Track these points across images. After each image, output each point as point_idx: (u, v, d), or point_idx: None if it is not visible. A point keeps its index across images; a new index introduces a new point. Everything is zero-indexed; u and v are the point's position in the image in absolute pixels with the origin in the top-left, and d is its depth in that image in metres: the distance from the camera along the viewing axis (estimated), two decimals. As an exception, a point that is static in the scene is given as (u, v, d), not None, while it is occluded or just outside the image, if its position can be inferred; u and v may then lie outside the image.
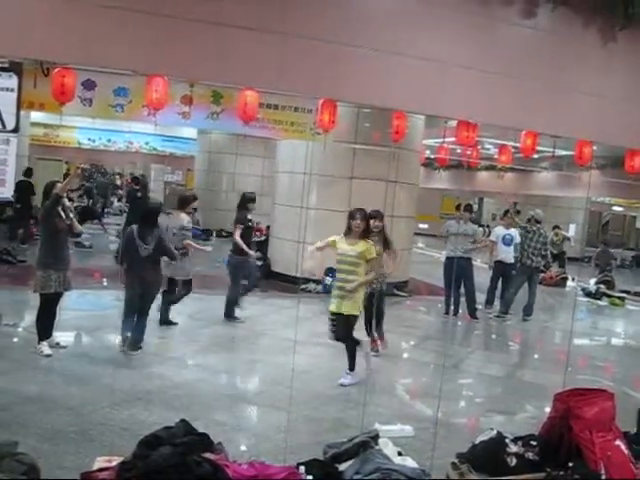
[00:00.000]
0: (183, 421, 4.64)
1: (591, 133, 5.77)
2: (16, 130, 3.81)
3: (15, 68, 3.82)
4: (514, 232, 13.26)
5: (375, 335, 8.63)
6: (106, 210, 23.41)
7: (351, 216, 7.36)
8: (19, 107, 3.82)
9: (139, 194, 16.63)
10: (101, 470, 4.26)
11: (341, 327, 7.29)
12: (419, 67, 4.64)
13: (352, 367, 7.51)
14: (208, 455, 4.31)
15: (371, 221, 7.88)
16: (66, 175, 23.88)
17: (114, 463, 4.32)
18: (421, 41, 4.68)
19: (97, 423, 5.75)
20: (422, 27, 4.69)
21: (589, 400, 5.41)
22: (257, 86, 5.04)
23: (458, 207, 13.47)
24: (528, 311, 13.06)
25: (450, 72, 4.74)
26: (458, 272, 12.01)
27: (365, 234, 7.36)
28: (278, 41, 4.28)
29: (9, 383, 6.58)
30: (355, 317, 7.34)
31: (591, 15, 5.11)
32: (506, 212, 14.47)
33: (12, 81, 3.80)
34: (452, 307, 12.32)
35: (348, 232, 7.34)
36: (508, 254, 13.12)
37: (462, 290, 12.40)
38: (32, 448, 4.62)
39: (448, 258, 12.34)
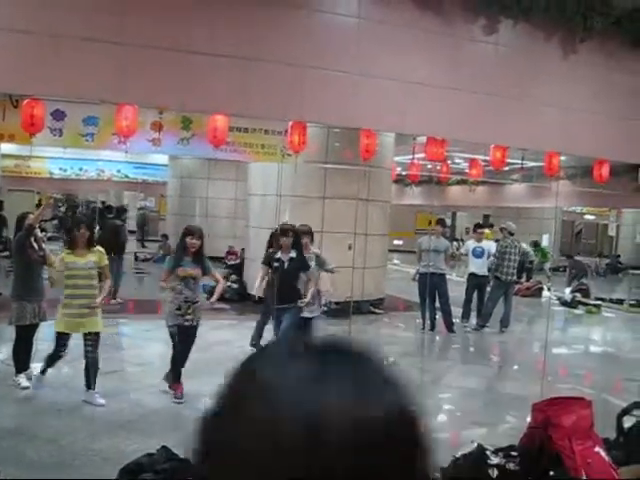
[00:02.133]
0: (164, 447, 4.64)
1: (557, 144, 5.88)
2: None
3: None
4: (486, 245, 13.36)
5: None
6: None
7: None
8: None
9: (117, 222, 16.62)
10: (83, 501, 4.26)
11: None
12: (384, 86, 4.71)
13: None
14: (190, 481, 4.31)
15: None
16: (38, 205, 23.82)
17: (96, 493, 4.31)
18: (385, 61, 4.76)
19: (78, 453, 5.74)
20: (386, 48, 4.77)
21: (567, 409, 5.48)
22: (225, 112, 5.10)
23: (431, 223, 13.58)
24: (505, 323, 13.13)
25: (415, 90, 4.82)
26: (432, 287, 12.11)
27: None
28: (244, 66, 4.34)
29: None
30: None
31: (552, 29, 5.22)
32: (477, 225, 14.59)
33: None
34: (428, 322, 12.40)
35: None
36: (480, 267, 13.21)
37: (438, 305, 12.51)
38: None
39: (421, 274, 12.44)
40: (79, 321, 7.10)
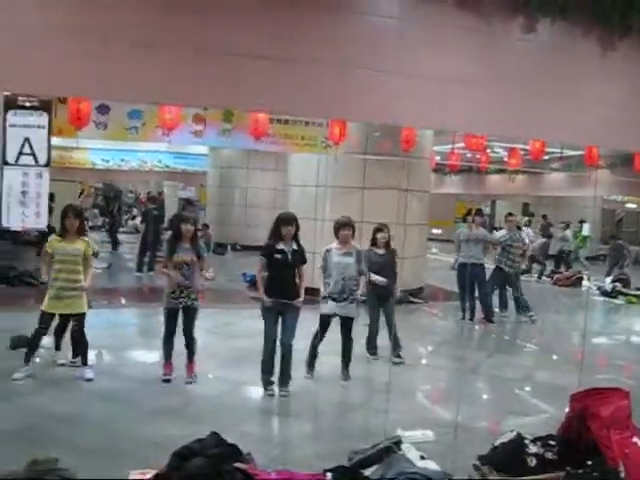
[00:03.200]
0: (214, 433, 4.83)
1: (596, 139, 5.95)
2: (48, 164, 4.02)
3: (45, 106, 4.03)
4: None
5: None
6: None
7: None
8: (50, 142, 4.04)
9: (156, 212, 16.98)
10: (137, 483, 4.47)
11: None
12: (424, 85, 4.82)
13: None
14: (239, 465, 4.50)
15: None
16: (80, 195, 24.26)
17: (148, 476, 4.52)
18: (425, 60, 4.87)
19: (127, 439, 5.95)
20: (425, 47, 4.88)
21: (605, 399, 5.56)
22: (268, 111, 5.29)
23: (468, 212, 13.56)
24: (524, 309, 13.03)
25: (454, 88, 4.91)
26: (471, 278, 12.19)
27: None
28: (288, 67, 4.49)
29: (40, 404, 6.79)
30: None
31: (590, 27, 5.28)
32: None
33: (43, 119, 4.01)
34: (467, 312, 12.47)
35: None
36: None
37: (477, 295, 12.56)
38: (67, 463, 4.79)
39: (460, 264, 12.49)
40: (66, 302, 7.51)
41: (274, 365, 7.51)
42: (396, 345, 9.04)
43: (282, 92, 4.56)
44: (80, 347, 7.80)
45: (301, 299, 7.48)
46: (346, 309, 8.04)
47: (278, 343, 7.48)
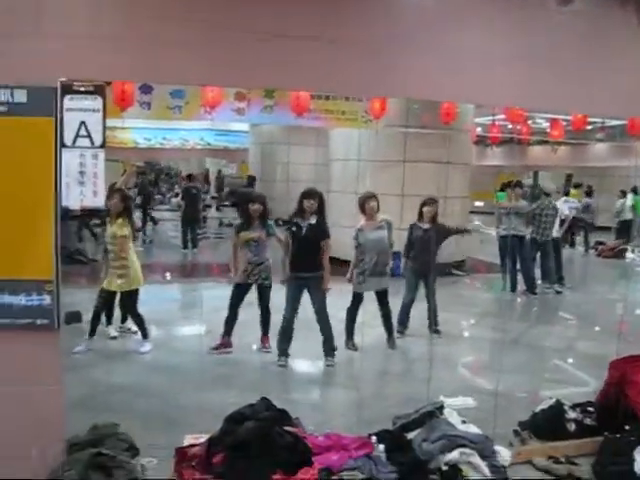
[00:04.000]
0: (264, 398, 5.06)
1: (635, 110, 5.96)
2: (103, 145, 4.24)
3: (99, 90, 4.24)
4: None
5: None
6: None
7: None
8: (104, 125, 4.25)
9: (194, 190, 17.26)
10: (192, 446, 4.72)
11: None
12: (461, 60, 4.90)
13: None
14: (288, 428, 4.73)
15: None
16: (123, 173, 24.62)
17: (202, 439, 4.77)
18: (462, 36, 4.94)
19: (181, 406, 6.24)
20: (461, 24, 4.95)
21: (643, 366, 5.68)
22: (310, 90, 5.48)
23: (508, 184, 13.46)
24: (557, 279, 13.06)
25: (491, 63, 4.97)
26: (512, 249, 12.27)
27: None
28: (328, 48, 4.61)
29: (97, 374, 7.14)
30: None
31: (626, -3, 5.33)
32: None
33: (97, 102, 4.20)
34: (509, 283, 12.54)
35: None
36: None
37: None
38: (126, 430, 5.07)
39: (502, 237, 12.54)
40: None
41: (291, 338, 7.77)
42: (434, 320, 9.16)
43: (322, 72, 4.68)
44: (137, 322, 8.17)
45: (323, 272, 7.65)
46: (380, 283, 8.25)
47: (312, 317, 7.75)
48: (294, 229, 7.58)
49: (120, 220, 7.83)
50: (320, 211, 7.63)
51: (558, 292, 12.86)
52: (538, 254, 13.02)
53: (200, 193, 18.71)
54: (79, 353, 7.73)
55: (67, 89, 4.18)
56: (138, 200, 28.43)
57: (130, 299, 8.06)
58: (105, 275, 7.92)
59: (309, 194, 7.62)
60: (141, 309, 8.16)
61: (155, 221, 21.70)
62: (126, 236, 7.86)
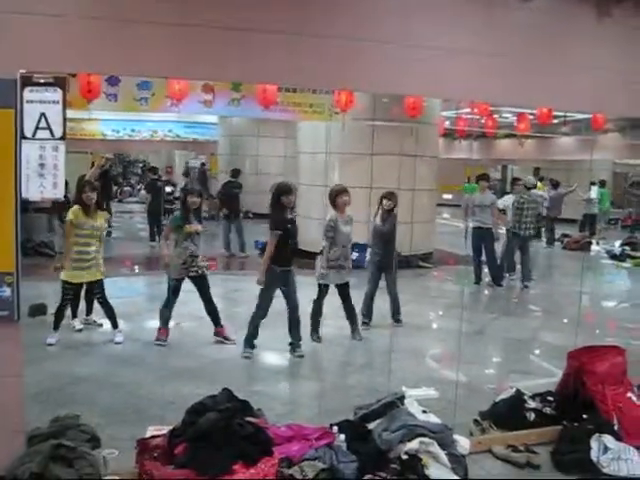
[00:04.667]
0: (226, 389, 5.09)
1: (597, 105, 6.04)
2: (63, 138, 4.22)
3: (59, 82, 4.21)
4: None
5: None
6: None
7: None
8: (64, 117, 4.23)
9: (158, 183, 17.21)
10: (154, 437, 4.74)
11: None
12: (425, 55, 4.93)
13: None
14: (250, 419, 4.76)
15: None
16: (92, 165, 24.45)
17: (165, 430, 4.79)
18: (425, 31, 4.99)
19: (144, 398, 6.28)
20: (425, 18, 4.99)
21: (600, 356, 5.80)
22: (275, 83, 5.50)
23: (481, 177, 13.54)
24: (527, 277, 13.04)
25: (454, 57, 5.02)
26: (478, 241, 12.42)
27: None
28: (292, 41, 4.63)
29: (62, 366, 7.13)
30: None
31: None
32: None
33: (57, 94, 4.18)
34: (475, 277, 12.69)
35: None
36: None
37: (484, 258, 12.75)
38: (89, 422, 5.06)
39: (474, 228, 12.67)
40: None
41: (257, 331, 7.84)
42: (396, 310, 9.27)
43: (288, 65, 4.70)
44: (107, 312, 8.17)
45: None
46: (342, 276, 8.34)
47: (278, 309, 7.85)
48: (289, 226, 7.66)
49: (95, 212, 7.83)
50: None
51: (525, 286, 12.94)
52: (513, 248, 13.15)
53: (164, 186, 18.65)
54: (52, 345, 7.75)
55: (27, 81, 4.15)
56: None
57: (101, 288, 8.06)
58: (68, 268, 7.82)
59: (289, 190, 7.68)
60: (110, 301, 8.17)
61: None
62: (103, 226, 7.95)
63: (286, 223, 7.63)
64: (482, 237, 12.51)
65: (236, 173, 16.08)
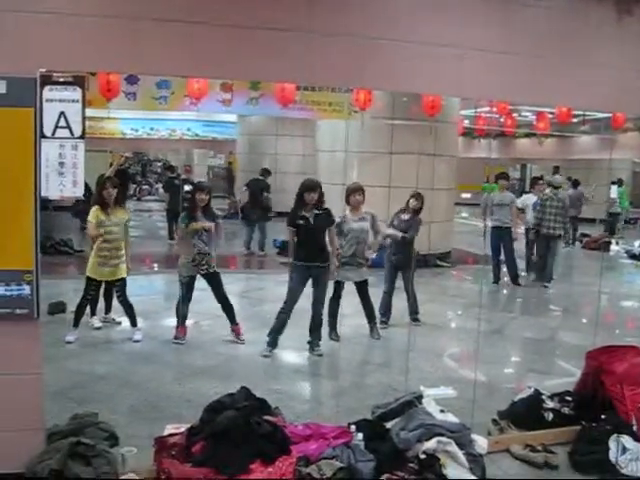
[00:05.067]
0: (244, 388, 5.10)
1: (614, 105, 5.99)
2: (82, 136, 4.25)
3: (78, 81, 4.24)
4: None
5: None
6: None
7: None
8: (84, 116, 4.26)
9: (176, 181, 17.24)
10: (172, 435, 4.76)
11: None
12: (440, 53, 4.91)
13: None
14: (267, 417, 4.78)
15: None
16: (112, 164, 24.61)
17: (183, 429, 4.81)
18: (440, 28, 4.96)
19: (163, 396, 6.29)
20: (440, 16, 4.97)
21: (619, 356, 5.75)
22: (290, 81, 5.50)
23: (500, 176, 13.46)
24: (548, 277, 12.88)
25: (470, 55, 5.01)
26: (497, 241, 12.37)
27: None
28: (307, 39, 4.62)
29: (81, 364, 7.17)
30: None
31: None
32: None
33: (76, 93, 4.20)
34: (494, 276, 12.63)
35: None
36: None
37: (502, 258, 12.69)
38: (107, 420, 5.11)
39: (493, 227, 12.62)
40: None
41: (283, 328, 7.82)
42: (414, 309, 9.26)
43: (304, 64, 4.70)
44: (127, 310, 8.21)
45: (330, 262, 7.79)
46: (359, 273, 8.32)
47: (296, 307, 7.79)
48: (301, 222, 7.62)
49: (118, 207, 7.88)
50: (320, 202, 7.68)
51: (545, 286, 12.81)
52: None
53: (182, 184, 18.69)
54: (71, 342, 7.79)
55: (46, 80, 4.18)
56: (131, 190, 28.50)
57: (123, 286, 8.10)
58: (93, 265, 7.90)
59: (310, 187, 7.66)
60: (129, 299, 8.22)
61: None
62: (124, 221, 7.96)
63: (299, 219, 7.61)
64: (501, 236, 12.45)
65: (266, 173, 16.04)
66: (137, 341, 8.06)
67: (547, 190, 13.04)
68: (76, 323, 7.93)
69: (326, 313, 8.19)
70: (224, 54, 4.58)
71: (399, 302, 9.27)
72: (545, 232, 12.71)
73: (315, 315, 7.84)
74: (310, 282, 7.80)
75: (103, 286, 8.26)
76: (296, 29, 4.62)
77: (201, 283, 8.10)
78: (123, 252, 7.97)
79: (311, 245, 7.67)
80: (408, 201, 9.20)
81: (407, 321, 8.99)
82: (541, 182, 13.74)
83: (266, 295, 10.79)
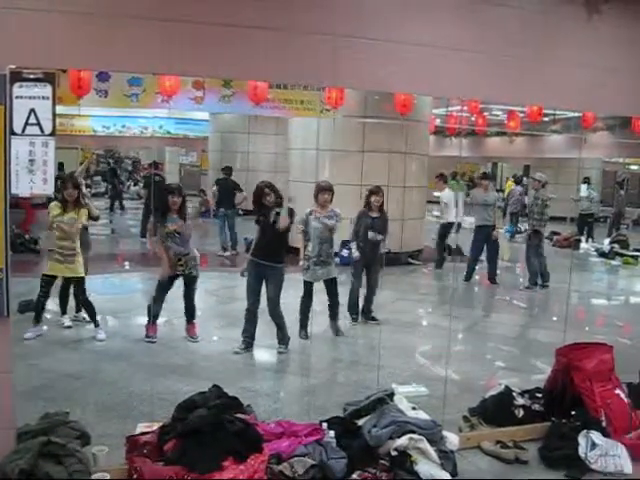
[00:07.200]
0: (215, 386, 5.10)
1: (584, 104, 6.06)
2: (53, 134, 4.21)
3: (49, 78, 4.20)
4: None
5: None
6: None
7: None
8: (54, 113, 4.22)
9: (157, 178, 17.11)
10: (144, 434, 4.74)
11: None
12: (413, 52, 4.94)
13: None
14: (239, 415, 4.78)
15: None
16: (82, 162, 24.43)
17: (155, 427, 4.80)
18: (414, 28, 4.98)
19: (134, 395, 6.26)
20: (413, 15, 4.99)
21: (588, 353, 5.82)
22: (262, 79, 5.50)
23: (483, 176, 13.60)
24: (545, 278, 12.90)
25: (443, 54, 5.03)
26: (482, 239, 12.50)
27: None
28: (279, 37, 4.63)
29: (52, 363, 7.11)
30: None
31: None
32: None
33: (47, 90, 4.16)
34: (467, 274, 12.72)
35: None
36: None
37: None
38: (78, 418, 5.06)
39: (477, 227, 12.77)
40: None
41: (254, 328, 7.84)
42: (368, 307, 9.33)
43: (276, 61, 4.70)
44: (87, 310, 8.18)
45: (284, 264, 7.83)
46: (327, 271, 8.34)
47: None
48: (262, 218, 7.69)
49: (73, 207, 7.81)
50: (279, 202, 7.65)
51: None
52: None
53: (164, 181, 18.61)
54: (29, 339, 7.71)
55: (16, 76, 4.14)
56: (103, 189, 28.24)
57: (81, 286, 8.05)
58: (49, 260, 7.92)
59: (262, 188, 7.69)
60: (97, 298, 8.15)
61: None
62: (77, 223, 7.85)
63: (258, 216, 7.70)
64: (486, 235, 12.55)
65: (229, 170, 15.99)
66: (101, 340, 8.00)
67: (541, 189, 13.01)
68: (37, 319, 7.93)
69: (298, 311, 8.21)
70: (196, 52, 4.57)
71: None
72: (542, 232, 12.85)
73: (271, 315, 7.84)
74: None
75: (65, 284, 8.21)
76: (269, 27, 4.61)
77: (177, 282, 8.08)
78: (77, 251, 7.88)
79: (267, 244, 7.68)
80: (369, 198, 9.12)
81: (380, 318, 9.04)
82: (539, 180, 13.52)
83: (236, 293, 10.75)
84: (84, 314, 8.57)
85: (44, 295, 7.97)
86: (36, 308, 7.97)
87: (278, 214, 7.54)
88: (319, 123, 13.40)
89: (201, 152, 29.23)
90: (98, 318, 8.17)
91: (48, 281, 7.94)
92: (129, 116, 23.02)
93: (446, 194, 13.88)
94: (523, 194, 21.45)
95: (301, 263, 8.30)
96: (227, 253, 15.08)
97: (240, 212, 19.97)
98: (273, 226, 7.55)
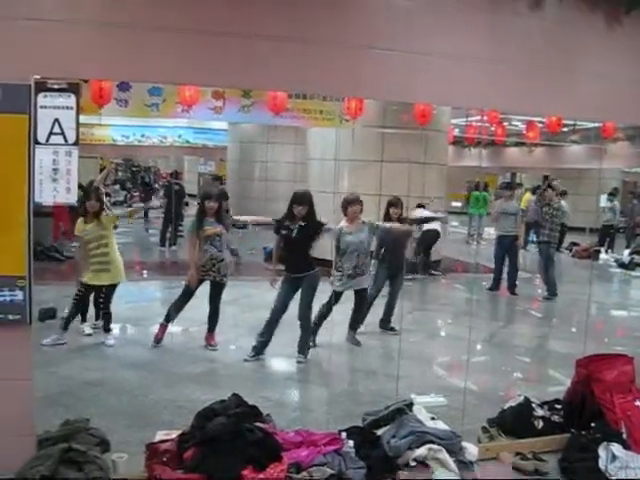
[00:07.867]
0: (235, 395, 5.11)
1: (604, 114, 6.05)
2: (76, 143, 4.26)
3: (73, 88, 4.26)
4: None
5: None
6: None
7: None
8: (78, 122, 4.27)
9: (177, 187, 17.22)
10: (163, 441, 4.76)
11: None
12: (434, 63, 4.96)
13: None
14: (258, 424, 4.79)
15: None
16: (102, 170, 24.62)
17: (174, 435, 4.81)
18: (434, 39, 5.00)
19: (154, 403, 6.29)
20: (434, 26, 5.00)
21: (608, 364, 5.78)
22: (283, 89, 5.53)
23: (505, 186, 13.57)
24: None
25: (463, 65, 5.04)
26: (503, 249, 12.52)
27: None
28: (301, 48, 4.66)
29: (71, 370, 7.15)
30: None
31: (596, 2, 5.41)
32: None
33: (71, 100, 4.23)
34: (493, 283, 12.69)
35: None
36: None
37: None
38: (98, 425, 5.09)
39: (499, 237, 12.79)
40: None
41: (271, 335, 7.84)
42: (387, 318, 9.34)
43: (297, 72, 4.73)
44: (106, 317, 8.28)
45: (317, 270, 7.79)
46: (359, 282, 8.33)
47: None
48: (284, 232, 7.64)
49: (95, 218, 7.89)
50: (310, 215, 7.61)
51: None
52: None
53: (183, 189, 18.74)
54: (46, 345, 7.76)
55: (41, 87, 4.20)
56: (121, 197, 28.40)
57: (110, 294, 8.18)
58: (87, 271, 8.01)
59: (296, 200, 7.59)
60: (119, 306, 8.23)
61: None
62: (106, 232, 7.99)
63: (283, 229, 7.64)
64: (507, 245, 12.54)
65: (218, 180, 16.00)
66: (110, 345, 8.12)
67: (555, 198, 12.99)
68: (65, 327, 8.03)
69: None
70: (218, 62, 4.60)
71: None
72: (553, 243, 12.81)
73: (300, 317, 7.81)
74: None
75: (88, 293, 8.29)
76: (289, 38, 4.64)
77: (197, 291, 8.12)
78: (112, 257, 8.04)
79: (293, 256, 7.69)
80: (388, 210, 9.05)
81: (400, 327, 9.03)
82: (554, 189, 13.47)
83: (255, 302, 10.77)
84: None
85: (82, 305, 8.22)
86: (68, 317, 8.07)
87: (302, 227, 7.53)
88: (338, 133, 13.44)
89: (219, 161, 29.36)
90: (117, 325, 8.25)
91: (86, 291, 8.11)
92: (148, 125, 23.15)
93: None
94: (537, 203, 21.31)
95: (331, 279, 8.27)
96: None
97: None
98: (296, 239, 7.56)
